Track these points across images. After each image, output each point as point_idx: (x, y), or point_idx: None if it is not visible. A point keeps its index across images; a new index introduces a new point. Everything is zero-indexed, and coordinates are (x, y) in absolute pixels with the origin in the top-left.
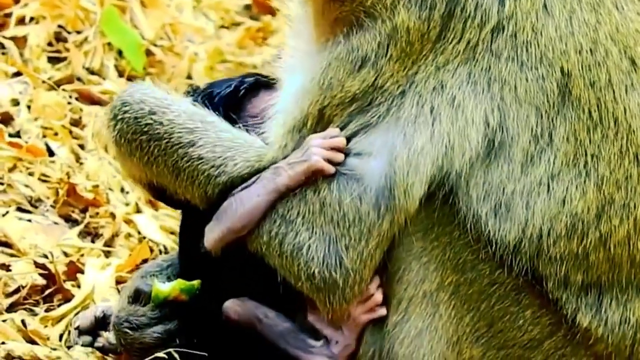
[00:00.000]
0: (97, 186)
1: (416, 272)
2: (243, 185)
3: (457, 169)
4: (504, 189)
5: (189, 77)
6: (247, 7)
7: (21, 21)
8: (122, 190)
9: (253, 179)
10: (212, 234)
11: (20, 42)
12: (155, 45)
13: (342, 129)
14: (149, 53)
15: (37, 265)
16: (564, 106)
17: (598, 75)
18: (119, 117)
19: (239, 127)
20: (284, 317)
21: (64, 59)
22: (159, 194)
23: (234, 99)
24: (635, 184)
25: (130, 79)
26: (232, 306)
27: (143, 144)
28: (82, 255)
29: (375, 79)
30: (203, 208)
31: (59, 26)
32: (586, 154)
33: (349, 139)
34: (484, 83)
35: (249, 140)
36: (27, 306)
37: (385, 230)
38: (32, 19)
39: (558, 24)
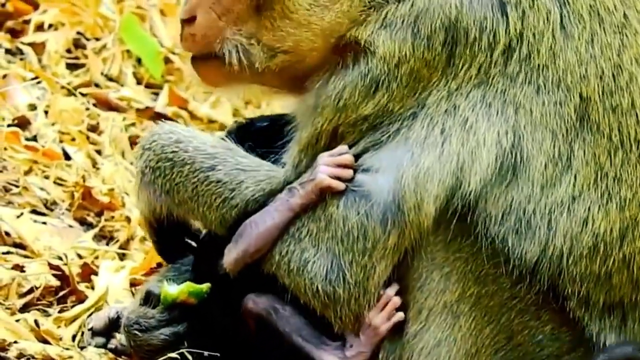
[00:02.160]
0: (112, 190)
1: (437, 282)
2: (262, 208)
3: (471, 189)
4: (525, 209)
5: None
6: None
7: (40, 27)
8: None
9: (269, 201)
10: (230, 256)
11: (39, 48)
12: (173, 52)
13: (352, 146)
14: (167, 60)
15: (51, 266)
16: (582, 130)
17: (620, 100)
18: (147, 146)
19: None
20: (301, 313)
21: (83, 65)
22: (162, 240)
23: (269, 132)
24: None
25: (148, 86)
26: (252, 297)
27: (166, 170)
28: (96, 257)
29: (388, 102)
30: (221, 233)
31: (78, 33)
32: (607, 177)
33: (358, 156)
34: (498, 105)
35: (263, 164)
36: (40, 307)
37: (392, 245)
38: (50, 25)
39: (577, 47)
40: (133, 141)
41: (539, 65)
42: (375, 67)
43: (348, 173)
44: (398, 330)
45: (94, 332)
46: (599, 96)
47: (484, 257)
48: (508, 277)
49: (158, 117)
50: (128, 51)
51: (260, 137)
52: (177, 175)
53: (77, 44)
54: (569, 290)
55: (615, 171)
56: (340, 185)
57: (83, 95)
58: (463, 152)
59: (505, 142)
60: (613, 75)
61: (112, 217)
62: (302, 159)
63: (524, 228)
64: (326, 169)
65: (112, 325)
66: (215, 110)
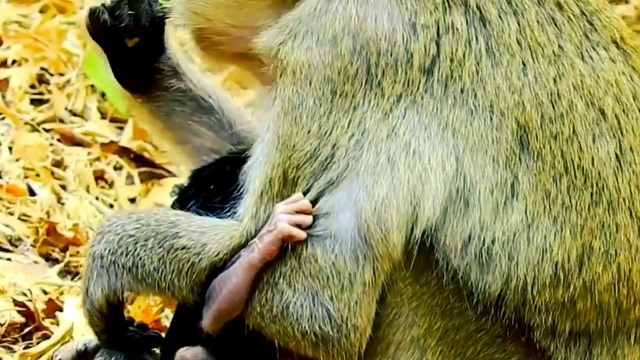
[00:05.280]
0: (77, 225)
1: (406, 317)
2: (227, 266)
3: (428, 215)
4: (483, 239)
5: None
6: None
7: (3, 64)
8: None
9: (234, 258)
10: (207, 318)
11: (3, 84)
12: None
13: (307, 191)
14: None
15: (16, 303)
16: (524, 157)
17: (561, 128)
18: (106, 230)
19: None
20: None
21: (47, 101)
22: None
23: (221, 175)
24: (614, 232)
25: (113, 120)
26: (186, 356)
27: (129, 247)
28: (61, 293)
29: (320, 128)
30: (192, 300)
31: (42, 68)
32: (556, 204)
33: (316, 201)
34: (436, 128)
35: (220, 222)
36: (5, 344)
37: (369, 280)
38: (14, 61)
39: (507, 74)
40: (98, 176)
41: (464, 90)
42: (289, 87)
43: (308, 219)
44: None
45: None
46: (537, 123)
47: (450, 290)
48: (473, 310)
49: (123, 151)
50: (92, 86)
51: (213, 184)
52: (141, 249)
53: (41, 80)
54: (535, 321)
55: (562, 198)
56: (302, 234)
57: (47, 130)
58: (412, 177)
59: (448, 167)
60: (551, 102)
61: (77, 252)
62: (258, 208)
63: (485, 260)
64: (285, 216)
65: (80, 358)
66: None
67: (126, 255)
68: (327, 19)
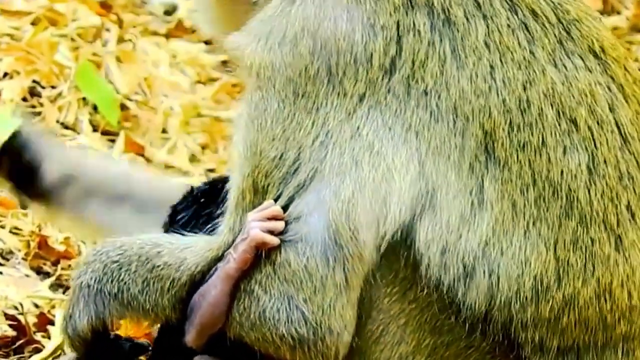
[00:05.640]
0: (68, 238)
1: (393, 334)
2: (206, 279)
3: (395, 214)
4: (458, 250)
5: (164, 131)
6: (224, 63)
7: None
8: (95, 243)
9: (212, 271)
10: (190, 333)
11: None
12: (129, 99)
13: (279, 197)
14: (123, 107)
15: (7, 316)
16: (489, 165)
17: (529, 138)
18: (91, 260)
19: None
20: None
21: (39, 113)
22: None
23: (213, 192)
24: (589, 246)
25: (104, 133)
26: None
27: (114, 273)
28: (53, 307)
29: (284, 131)
30: (176, 317)
31: (34, 81)
32: (525, 215)
33: (287, 206)
34: (399, 128)
35: (201, 237)
36: None
37: (341, 280)
38: (6, 74)
39: (472, 77)
40: None
41: (427, 91)
42: (255, 92)
43: (280, 225)
44: None
45: None
46: (505, 131)
47: (439, 306)
48: (462, 327)
49: None
50: (84, 99)
51: (204, 198)
52: (125, 273)
53: (33, 92)
54: (522, 337)
55: (530, 210)
56: (275, 240)
57: None
58: (377, 176)
59: (412, 168)
60: (520, 110)
61: (69, 265)
62: (235, 220)
63: (462, 272)
64: (257, 223)
65: None
66: (172, 156)
67: (111, 282)
68: (288, 20)
